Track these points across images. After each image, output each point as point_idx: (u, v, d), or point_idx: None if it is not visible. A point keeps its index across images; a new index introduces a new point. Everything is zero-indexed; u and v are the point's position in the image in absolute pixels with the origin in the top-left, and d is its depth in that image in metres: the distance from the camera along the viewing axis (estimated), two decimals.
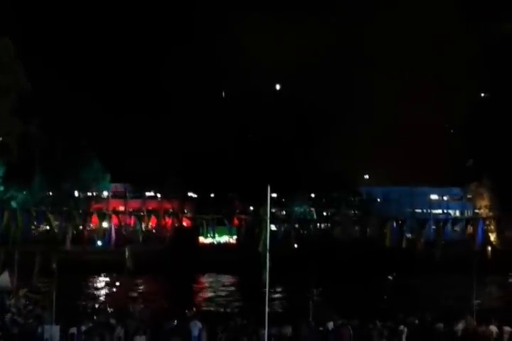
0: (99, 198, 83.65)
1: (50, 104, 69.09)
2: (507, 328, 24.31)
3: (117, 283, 51.86)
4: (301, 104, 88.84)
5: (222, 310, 34.31)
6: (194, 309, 33.77)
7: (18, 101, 62.46)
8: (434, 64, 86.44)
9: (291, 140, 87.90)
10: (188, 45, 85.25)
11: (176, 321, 25.93)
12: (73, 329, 23.84)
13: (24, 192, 70.07)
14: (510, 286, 56.57)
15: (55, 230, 46.76)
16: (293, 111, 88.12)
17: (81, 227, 50.13)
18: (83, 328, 24.19)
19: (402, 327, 24.26)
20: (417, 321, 26.11)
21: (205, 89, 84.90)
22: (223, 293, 49.08)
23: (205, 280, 58.38)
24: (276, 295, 45.72)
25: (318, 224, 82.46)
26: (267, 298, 16.31)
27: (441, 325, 25.10)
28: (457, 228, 59.88)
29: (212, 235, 58.73)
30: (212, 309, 34.20)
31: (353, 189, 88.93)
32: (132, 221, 45.38)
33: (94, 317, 27.56)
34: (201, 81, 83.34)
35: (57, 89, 71.85)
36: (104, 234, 47.33)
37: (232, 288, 52.88)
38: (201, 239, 66.50)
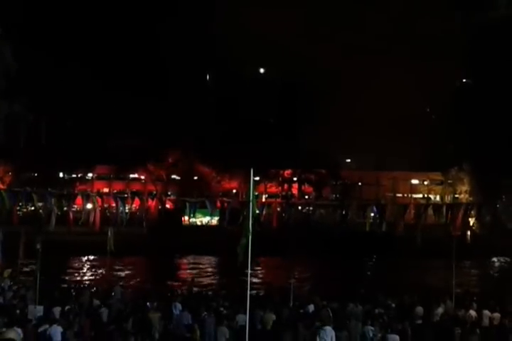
0: (83, 179, 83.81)
1: (36, 84, 68.62)
2: (486, 312, 24.81)
3: (100, 264, 52.19)
4: (285, 88, 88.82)
5: (203, 291, 34.64)
6: (176, 290, 34.13)
7: (4, 80, 61.95)
8: (416, 50, 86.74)
9: (274, 124, 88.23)
10: (173, 27, 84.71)
11: (157, 303, 26.25)
12: (56, 309, 24.08)
13: (10, 173, 70.02)
14: (489, 270, 57.57)
15: (40, 211, 46.82)
16: (277, 95, 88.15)
17: (65, 209, 50.15)
18: (66, 308, 24.45)
19: (380, 310, 24.69)
20: (393, 305, 26.57)
21: (189, 71, 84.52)
22: (205, 274, 49.55)
23: (187, 261, 58.82)
24: (257, 277, 46.33)
25: (299, 208, 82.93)
26: (249, 282, 16.63)
27: (420, 309, 25.57)
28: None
29: (193, 216, 59.08)
30: (193, 290, 34.46)
31: (335, 173, 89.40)
32: (117, 203, 45.31)
33: (78, 298, 27.89)
34: (186, 63, 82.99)
35: (44, 68, 71.26)
36: (88, 215, 47.31)
37: (214, 270, 53.37)
38: (185, 221, 67.07)
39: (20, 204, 58.06)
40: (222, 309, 25.44)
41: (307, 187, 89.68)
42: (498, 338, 21.69)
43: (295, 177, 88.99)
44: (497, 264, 61.99)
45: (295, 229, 58.62)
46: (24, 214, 65.45)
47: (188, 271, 51.89)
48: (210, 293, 34.16)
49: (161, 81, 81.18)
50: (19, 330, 19.88)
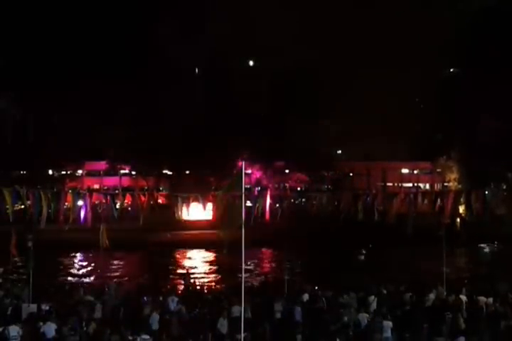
0: (73, 176, 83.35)
1: (23, 79, 68.05)
2: (480, 298, 25.08)
3: (93, 261, 52.23)
4: (275, 80, 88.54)
5: (198, 284, 34.74)
6: (171, 284, 34.23)
7: None
8: (405, 39, 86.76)
9: (264, 116, 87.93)
10: (162, 20, 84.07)
11: (153, 297, 26.31)
12: (49, 307, 24.13)
13: None
14: (478, 256, 58.07)
15: (30, 209, 46.71)
16: (267, 87, 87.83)
17: (56, 206, 49.90)
18: (60, 305, 24.51)
19: (372, 297, 24.91)
20: (385, 291, 26.80)
21: (178, 65, 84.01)
22: (200, 269, 49.65)
23: (181, 255, 58.88)
24: (252, 269, 46.53)
25: (292, 200, 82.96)
26: (243, 273, 16.76)
27: (407, 296, 25.82)
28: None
29: (187, 212, 58.95)
30: (188, 283, 34.58)
31: (327, 164, 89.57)
32: (107, 199, 45.14)
33: (72, 295, 27.91)
34: (175, 57, 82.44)
35: (30, 63, 70.68)
36: (80, 212, 47.17)
37: (208, 263, 53.47)
38: (178, 216, 66.79)
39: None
40: (217, 301, 25.57)
41: (300, 177, 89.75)
42: (490, 323, 21.93)
43: (287, 169, 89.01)
44: (486, 250, 62.57)
45: (288, 221, 58.93)
46: (13, 213, 65.16)
47: (183, 265, 51.93)
48: (205, 286, 34.33)
49: (150, 72, 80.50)
50: (17, 328, 20.02)
